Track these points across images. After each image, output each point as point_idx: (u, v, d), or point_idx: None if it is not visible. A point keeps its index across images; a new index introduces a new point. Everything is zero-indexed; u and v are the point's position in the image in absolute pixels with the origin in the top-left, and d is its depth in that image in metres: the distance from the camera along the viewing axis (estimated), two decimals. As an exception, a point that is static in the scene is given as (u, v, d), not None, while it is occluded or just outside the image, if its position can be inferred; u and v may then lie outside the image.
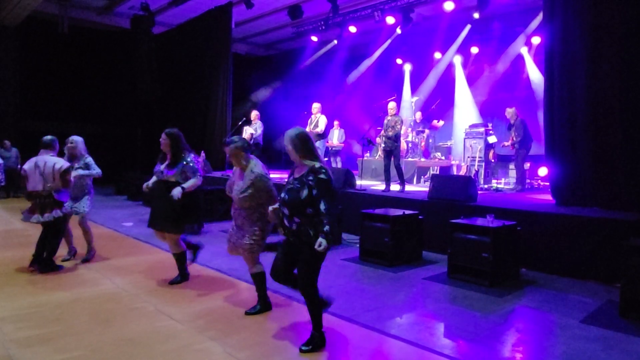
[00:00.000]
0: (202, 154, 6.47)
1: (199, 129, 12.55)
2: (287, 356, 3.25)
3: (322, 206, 3.11)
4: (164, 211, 4.55)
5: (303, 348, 3.26)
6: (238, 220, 3.98)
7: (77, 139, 5.62)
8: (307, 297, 3.30)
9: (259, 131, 10.56)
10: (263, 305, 4.05)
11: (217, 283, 4.86)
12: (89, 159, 5.62)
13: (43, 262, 5.14)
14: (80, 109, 14.35)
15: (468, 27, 11.43)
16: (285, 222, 3.28)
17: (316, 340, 3.31)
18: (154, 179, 4.75)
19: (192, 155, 4.73)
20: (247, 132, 10.53)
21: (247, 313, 3.98)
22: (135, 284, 4.76)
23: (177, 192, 4.42)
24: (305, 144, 3.28)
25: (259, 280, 4.03)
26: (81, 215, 5.54)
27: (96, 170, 5.60)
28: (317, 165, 3.22)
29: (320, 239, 3.07)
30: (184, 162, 4.61)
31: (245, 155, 3.94)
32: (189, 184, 4.55)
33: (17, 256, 5.65)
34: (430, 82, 13.00)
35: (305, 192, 3.14)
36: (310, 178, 3.16)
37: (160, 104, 13.62)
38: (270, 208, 3.45)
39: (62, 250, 5.75)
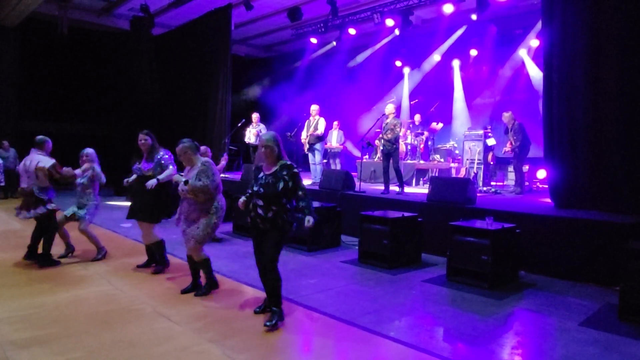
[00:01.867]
0: (225, 156, 6.78)
1: (199, 131, 12.54)
2: (286, 357, 3.25)
3: (300, 192, 3.77)
4: (140, 203, 5.07)
5: (267, 324, 3.65)
6: (193, 214, 4.33)
7: (88, 151, 5.77)
8: (271, 273, 3.77)
9: (263, 132, 10.59)
10: (212, 284, 4.56)
11: (224, 289, 4.83)
12: (96, 168, 5.74)
13: (40, 257, 5.35)
14: (79, 110, 14.33)
15: (464, 27, 11.41)
16: (260, 211, 3.73)
17: (278, 316, 3.74)
18: (134, 176, 5.21)
19: (165, 151, 5.21)
20: (251, 132, 10.58)
21: (185, 292, 4.51)
22: (133, 286, 4.74)
23: (151, 182, 4.92)
24: (280, 145, 3.85)
25: (207, 265, 4.52)
26: (80, 221, 5.57)
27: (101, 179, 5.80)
28: (288, 162, 3.81)
29: (307, 217, 3.74)
30: (159, 157, 5.11)
31: (195, 154, 4.43)
32: (163, 175, 5.02)
33: (15, 257, 5.64)
34: (430, 84, 13.02)
35: (281, 185, 3.68)
36: (285, 173, 3.72)
37: (159, 105, 13.60)
38: (241, 199, 3.90)
39: (60, 249, 5.75)
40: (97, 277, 5.04)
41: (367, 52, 13.55)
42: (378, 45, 13.17)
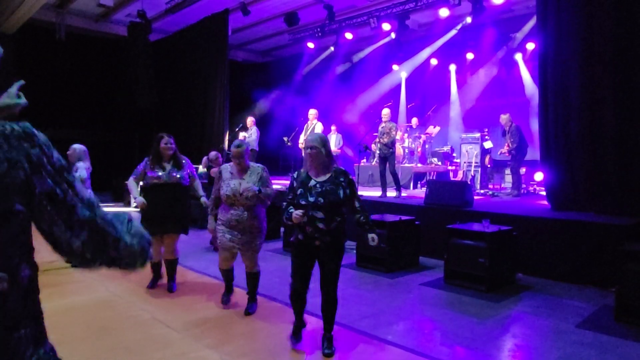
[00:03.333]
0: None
1: (197, 136, 12.55)
2: (284, 363, 3.25)
3: (357, 203, 3.43)
4: (171, 213, 4.64)
5: (327, 351, 3.38)
6: (246, 222, 4.03)
7: (74, 146, 5.67)
8: (335, 296, 3.41)
9: (254, 137, 10.57)
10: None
11: (213, 290, 4.85)
12: (78, 166, 5.53)
13: None
14: (77, 116, 14.33)
15: (456, 29, 11.39)
16: (321, 225, 3.25)
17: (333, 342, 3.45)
18: (140, 184, 4.78)
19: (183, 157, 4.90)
20: (240, 137, 10.55)
21: (247, 313, 4.16)
22: (131, 292, 4.74)
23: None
24: (329, 149, 3.44)
25: (257, 278, 4.27)
26: None
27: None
28: (341, 168, 3.50)
29: (371, 235, 3.42)
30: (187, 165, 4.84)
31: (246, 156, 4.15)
32: (201, 190, 5.01)
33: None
34: (426, 88, 13.07)
35: (341, 192, 3.31)
36: (342, 179, 3.36)
37: (157, 110, 13.62)
38: (299, 212, 3.24)
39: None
40: (94, 283, 5.04)
41: (363, 53, 13.58)
42: (370, 48, 13.20)
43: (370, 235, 3.41)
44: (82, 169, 5.53)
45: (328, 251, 3.34)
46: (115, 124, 15.04)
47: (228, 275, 4.39)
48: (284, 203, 3.45)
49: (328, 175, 3.35)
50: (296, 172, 3.53)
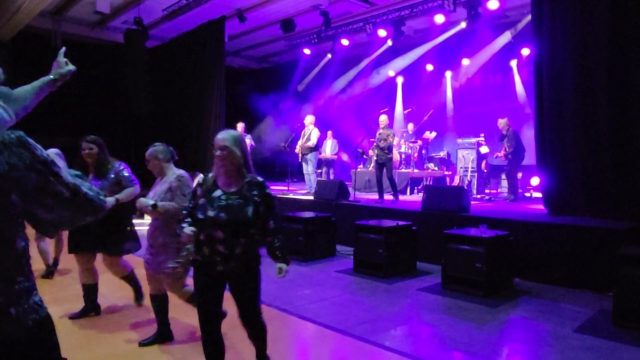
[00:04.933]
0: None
1: (193, 142, 12.54)
2: (281, 370, 3.23)
3: (271, 224, 2.71)
4: (108, 232, 3.94)
5: None
6: (159, 239, 3.41)
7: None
8: (259, 324, 2.84)
9: (251, 143, 10.62)
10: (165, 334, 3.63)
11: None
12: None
13: None
14: (73, 123, 14.31)
15: (449, 32, 11.43)
16: (220, 247, 2.57)
17: None
18: None
19: (120, 163, 4.06)
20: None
21: (142, 344, 3.53)
22: (128, 299, 4.70)
23: (109, 200, 3.52)
24: (246, 151, 2.71)
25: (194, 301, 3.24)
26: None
27: None
28: (259, 178, 2.72)
29: (279, 265, 2.74)
30: (115, 170, 3.96)
31: (168, 162, 3.57)
32: (124, 194, 3.86)
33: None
34: (423, 93, 13.12)
35: (251, 209, 2.59)
36: (255, 193, 2.64)
37: (153, 117, 13.62)
38: (190, 229, 2.58)
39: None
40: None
41: (359, 75, 13.67)
42: (365, 62, 13.27)
43: (278, 266, 2.75)
44: None
45: (237, 279, 2.67)
46: (112, 131, 15.00)
47: (155, 305, 3.62)
48: (184, 211, 2.78)
49: (239, 186, 2.64)
50: (202, 177, 2.79)
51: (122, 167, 3.99)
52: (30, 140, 1.32)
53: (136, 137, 14.57)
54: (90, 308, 4.22)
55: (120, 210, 3.83)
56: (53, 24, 12.96)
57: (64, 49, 1.98)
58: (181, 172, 3.53)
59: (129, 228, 4.13)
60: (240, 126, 10.67)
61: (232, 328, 3.94)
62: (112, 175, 3.92)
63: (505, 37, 10.97)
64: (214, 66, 12.14)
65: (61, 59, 2.10)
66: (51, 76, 2.01)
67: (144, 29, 12.62)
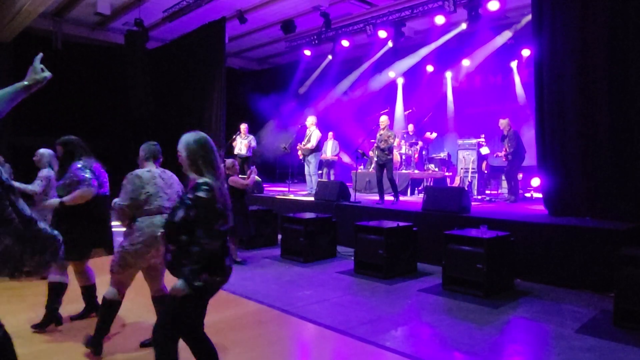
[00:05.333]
0: (253, 168, 6.09)
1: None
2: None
3: (200, 234, 2.35)
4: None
5: None
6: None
7: (41, 152, 5.14)
8: (156, 348, 2.45)
9: (253, 143, 10.63)
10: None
11: (219, 301, 4.80)
12: (41, 173, 5.10)
13: None
14: (74, 125, 14.28)
15: (450, 34, 11.43)
16: (162, 249, 2.59)
17: None
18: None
19: (82, 162, 3.90)
20: (242, 143, 10.55)
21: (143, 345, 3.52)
22: (129, 300, 4.70)
23: (52, 202, 3.75)
24: (197, 153, 2.52)
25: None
26: None
27: (30, 187, 4.93)
28: (203, 179, 2.45)
29: (178, 283, 2.33)
30: (71, 171, 3.81)
31: (144, 161, 3.65)
32: (70, 196, 3.72)
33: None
34: (423, 94, 13.13)
35: (180, 214, 2.41)
36: (189, 196, 2.43)
37: (154, 118, 13.62)
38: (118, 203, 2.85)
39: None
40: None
41: (359, 76, 13.67)
42: (367, 64, 13.27)
43: (179, 282, 2.33)
44: (40, 179, 5.07)
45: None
46: (111, 132, 15.02)
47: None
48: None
49: (189, 189, 2.53)
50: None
51: (76, 167, 3.81)
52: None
53: (135, 137, 14.59)
54: (91, 308, 4.20)
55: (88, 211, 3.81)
56: (54, 25, 12.96)
57: (40, 55, 1.94)
58: (137, 171, 3.47)
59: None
60: (243, 127, 10.69)
61: (240, 326, 3.96)
62: (68, 175, 3.80)
63: (505, 38, 10.97)
64: (214, 67, 12.14)
65: (37, 64, 2.07)
66: (25, 82, 1.97)
67: (145, 31, 12.62)
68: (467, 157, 9.73)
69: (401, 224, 6.05)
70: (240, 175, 6.57)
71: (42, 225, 1.37)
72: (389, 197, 8.35)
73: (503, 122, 8.83)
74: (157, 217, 3.29)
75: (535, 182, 9.19)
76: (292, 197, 9.30)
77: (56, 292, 3.90)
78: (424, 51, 12.27)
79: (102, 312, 3.41)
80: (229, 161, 6.48)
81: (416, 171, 10.76)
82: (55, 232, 1.40)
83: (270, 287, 5.25)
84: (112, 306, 3.39)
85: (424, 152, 11.37)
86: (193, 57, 12.82)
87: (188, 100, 13.11)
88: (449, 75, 12.68)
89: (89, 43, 14.17)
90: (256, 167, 6.76)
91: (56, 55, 13.06)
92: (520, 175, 9.15)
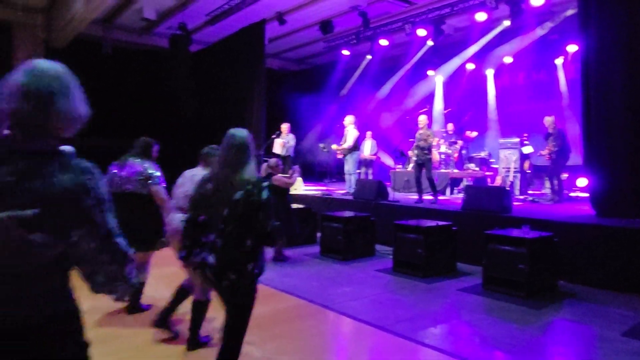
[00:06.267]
0: (296, 167, 6.19)
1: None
2: (323, 363, 3.33)
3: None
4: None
5: None
6: None
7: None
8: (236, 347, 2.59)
9: (292, 143, 10.77)
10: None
11: (261, 296, 4.93)
12: None
13: None
14: (121, 126, 14.96)
15: (494, 32, 11.21)
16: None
17: None
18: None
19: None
20: (277, 143, 10.73)
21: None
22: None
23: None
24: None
25: None
26: None
27: None
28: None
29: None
30: None
31: None
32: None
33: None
34: (463, 93, 12.93)
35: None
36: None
37: (198, 119, 14.05)
38: None
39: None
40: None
41: (398, 75, 13.58)
42: (410, 63, 13.16)
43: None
44: None
45: None
46: (157, 133, 15.60)
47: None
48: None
49: None
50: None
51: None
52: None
53: (181, 138, 15.09)
54: (134, 305, 4.34)
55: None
56: (104, 31, 13.62)
57: None
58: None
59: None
60: (284, 127, 10.83)
61: (284, 319, 4.08)
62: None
63: (549, 33, 10.65)
64: (254, 68, 12.41)
65: None
66: None
67: (188, 34, 13.04)
68: (509, 156, 9.53)
69: (440, 223, 6.03)
70: (282, 174, 6.70)
71: (120, 237, 1.37)
72: (427, 197, 8.30)
73: (548, 120, 8.60)
74: None
75: (581, 182, 8.90)
76: (330, 196, 9.40)
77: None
78: (464, 48, 12.08)
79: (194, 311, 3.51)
80: (272, 160, 6.58)
81: (455, 170, 10.63)
82: (131, 250, 1.40)
83: (310, 283, 5.36)
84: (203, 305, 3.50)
85: (463, 152, 11.20)
86: (234, 59, 13.14)
87: (230, 100, 13.45)
88: (490, 72, 12.42)
89: (135, 48, 14.79)
90: (293, 165, 6.84)
91: (106, 60, 13.72)
92: (565, 175, 8.88)
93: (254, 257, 2.44)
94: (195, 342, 3.49)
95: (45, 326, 1.30)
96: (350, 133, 9.56)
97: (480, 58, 12.18)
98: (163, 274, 5.08)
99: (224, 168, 2.57)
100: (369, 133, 11.09)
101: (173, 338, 3.62)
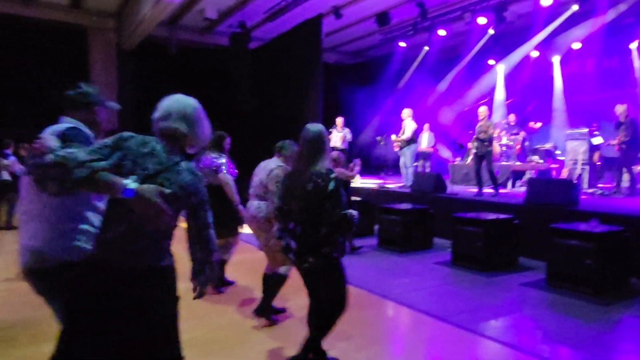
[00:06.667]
0: (357, 161, 6.32)
1: (293, 137, 13.12)
2: (382, 348, 3.41)
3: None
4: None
5: None
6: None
7: None
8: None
9: (349, 136, 10.87)
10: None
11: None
12: None
13: None
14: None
15: (562, 17, 10.65)
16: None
17: None
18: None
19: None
20: (338, 136, 10.85)
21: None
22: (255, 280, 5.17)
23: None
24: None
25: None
26: None
27: None
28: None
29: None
30: None
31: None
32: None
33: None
34: (526, 82, 12.41)
35: None
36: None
37: (257, 114, 14.48)
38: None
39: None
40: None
41: (457, 65, 13.24)
42: (470, 53, 12.79)
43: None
44: None
45: None
46: (218, 128, 16.24)
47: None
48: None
49: None
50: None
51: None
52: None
53: (241, 133, 15.63)
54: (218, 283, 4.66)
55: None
56: (169, 32, 14.34)
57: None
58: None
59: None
60: (339, 120, 10.93)
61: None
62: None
63: (623, 15, 9.98)
64: (311, 63, 12.58)
65: None
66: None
67: (247, 31, 13.46)
68: (576, 147, 9.09)
69: (501, 216, 5.92)
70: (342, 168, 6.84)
71: (212, 231, 2.02)
72: (487, 190, 8.13)
73: (620, 108, 8.12)
74: None
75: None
76: (388, 188, 9.41)
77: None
78: (527, 36, 11.59)
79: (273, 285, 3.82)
80: (334, 153, 6.71)
81: (517, 163, 10.28)
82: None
83: (369, 274, 5.45)
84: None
85: (526, 143, 10.79)
86: (292, 54, 13.38)
87: (288, 95, 13.74)
88: (556, 60, 11.84)
89: (198, 47, 15.44)
90: (352, 159, 6.93)
91: (171, 59, 14.45)
92: (637, 168, 8.35)
93: (330, 243, 2.66)
94: (264, 310, 3.82)
95: (156, 273, 1.81)
96: (409, 125, 9.50)
97: (545, 45, 11.63)
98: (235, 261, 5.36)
99: (299, 161, 2.80)
100: (426, 125, 10.96)
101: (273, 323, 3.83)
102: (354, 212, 2.70)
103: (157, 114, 1.96)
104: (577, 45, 11.26)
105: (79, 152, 1.60)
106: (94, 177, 1.58)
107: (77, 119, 2.29)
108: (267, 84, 14.48)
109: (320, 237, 2.65)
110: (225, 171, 4.43)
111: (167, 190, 1.71)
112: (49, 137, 2.04)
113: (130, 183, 1.64)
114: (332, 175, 2.67)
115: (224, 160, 4.51)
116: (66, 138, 2.05)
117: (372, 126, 14.31)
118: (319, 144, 2.79)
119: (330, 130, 11.16)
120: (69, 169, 1.55)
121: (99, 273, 1.72)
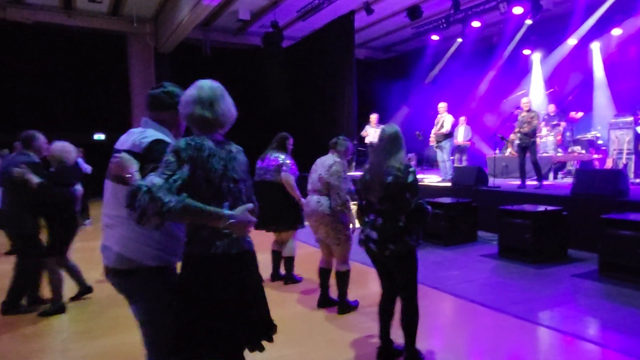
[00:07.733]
0: (413, 155, 6.35)
1: (328, 133, 13.25)
2: (435, 341, 3.49)
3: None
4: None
5: None
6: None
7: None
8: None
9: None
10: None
11: (372, 277, 5.20)
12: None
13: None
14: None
15: (607, 4, 10.36)
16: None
17: None
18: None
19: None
20: (375, 132, 10.87)
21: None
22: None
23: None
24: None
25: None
26: None
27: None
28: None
29: None
30: None
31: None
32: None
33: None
34: (565, 71, 12.13)
35: None
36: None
37: (291, 112, 14.67)
38: None
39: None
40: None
41: (492, 57, 13.04)
42: (510, 46, 12.58)
43: None
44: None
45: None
46: (253, 126, 16.53)
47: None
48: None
49: None
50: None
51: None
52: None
53: (275, 130, 15.86)
54: (289, 276, 4.96)
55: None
56: (203, 34, 14.68)
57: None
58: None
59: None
60: (373, 117, 10.96)
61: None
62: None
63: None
64: (344, 60, 12.67)
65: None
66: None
67: (279, 31, 13.63)
68: (621, 137, 8.88)
69: (549, 207, 5.88)
70: None
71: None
72: (530, 182, 8.05)
73: (666, 96, 7.90)
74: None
75: None
76: (427, 182, 9.42)
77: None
78: (566, 23, 11.33)
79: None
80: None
81: (559, 154, 10.10)
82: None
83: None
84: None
85: (567, 134, 10.57)
86: (324, 52, 13.50)
87: (321, 92, 13.86)
88: (596, 47, 11.52)
89: (231, 47, 15.73)
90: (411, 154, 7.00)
91: (206, 60, 14.79)
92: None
93: (409, 231, 2.90)
94: (325, 302, 4.16)
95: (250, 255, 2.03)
96: (447, 119, 9.48)
97: (584, 32, 11.34)
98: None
99: (377, 157, 3.03)
100: (462, 119, 10.88)
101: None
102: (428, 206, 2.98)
103: (180, 109, 2.01)
104: (617, 32, 10.93)
105: (158, 179, 1.74)
106: (188, 207, 1.72)
107: (161, 119, 2.18)
108: (300, 82, 14.64)
109: (400, 226, 2.87)
110: (287, 170, 4.69)
111: (251, 206, 1.89)
112: (128, 159, 1.94)
113: (227, 212, 1.82)
114: (411, 169, 2.90)
115: (288, 161, 4.79)
116: (150, 156, 1.95)
117: (405, 121, 14.27)
118: (397, 140, 3.00)
119: (365, 127, 11.24)
120: (163, 203, 1.67)
121: (226, 262, 1.91)
